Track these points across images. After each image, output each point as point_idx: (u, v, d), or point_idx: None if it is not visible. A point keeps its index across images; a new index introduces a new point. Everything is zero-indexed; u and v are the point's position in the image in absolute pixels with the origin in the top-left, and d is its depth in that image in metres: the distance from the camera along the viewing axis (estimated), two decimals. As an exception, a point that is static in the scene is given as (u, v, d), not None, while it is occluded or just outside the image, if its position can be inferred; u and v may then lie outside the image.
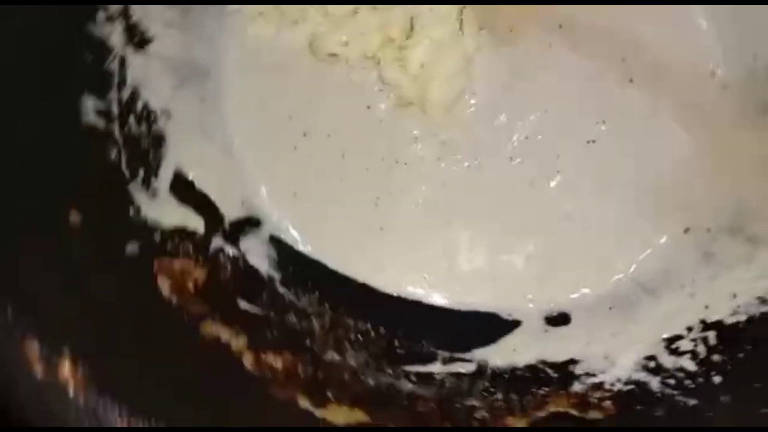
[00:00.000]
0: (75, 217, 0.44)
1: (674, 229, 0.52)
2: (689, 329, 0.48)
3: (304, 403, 0.44)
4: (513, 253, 0.53)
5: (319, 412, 0.44)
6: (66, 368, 0.34)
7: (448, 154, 0.55)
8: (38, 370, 0.34)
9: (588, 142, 0.54)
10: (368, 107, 0.56)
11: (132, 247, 0.46)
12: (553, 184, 0.54)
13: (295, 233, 0.53)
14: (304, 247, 0.53)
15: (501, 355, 0.50)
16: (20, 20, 0.46)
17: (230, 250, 0.51)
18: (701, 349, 0.47)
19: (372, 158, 0.54)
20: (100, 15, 0.51)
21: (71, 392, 0.33)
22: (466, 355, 0.50)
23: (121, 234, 0.47)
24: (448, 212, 0.54)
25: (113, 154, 0.49)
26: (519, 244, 0.53)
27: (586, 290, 0.52)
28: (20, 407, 0.34)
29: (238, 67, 0.55)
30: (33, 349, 0.34)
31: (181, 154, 0.52)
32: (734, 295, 0.48)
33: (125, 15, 0.52)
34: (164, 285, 0.46)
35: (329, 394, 0.46)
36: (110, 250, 0.45)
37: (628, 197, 0.53)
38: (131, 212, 0.48)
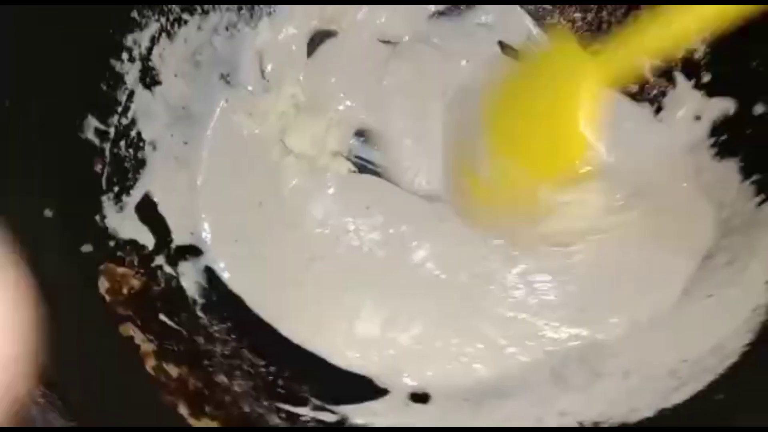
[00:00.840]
0: (48, 213, 0.54)
1: (536, 351, 0.61)
2: (518, 433, 0.56)
3: (183, 410, 0.53)
4: (402, 332, 0.62)
5: (192, 421, 0.53)
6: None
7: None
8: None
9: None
10: (329, 187, 0.66)
11: (87, 247, 0.56)
12: (457, 281, 0.64)
13: (226, 270, 0.63)
14: (230, 284, 0.63)
15: (362, 415, 0.58)
16: (63, 42, 0.57)
17: (168, 270, 0.61)
18: (519, 452, 0.55)
19: (308, 227, 0.64)
20: (125, 54, 0.62)
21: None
22: (334, 408, 0.59)
23: (82, 234, 0.57)
24: (359, 284, 0.63)
25: (98, 168, 0.60)
26: (409, 325, 0.62)
27: (450, 380, 0.61)
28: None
29: (221, 128, 0.66)
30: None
31: (155, 180, 0.63)
32: (562, 414, 0.56)
33: (146, 58, 0.64)
34: (103, 285, 0.56)
35: (207, 409, 0.55)
36: (70, 245, 0.55)
37: (504, 316, 0.62)
38: (97, 218, 0.59)
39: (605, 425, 0.54)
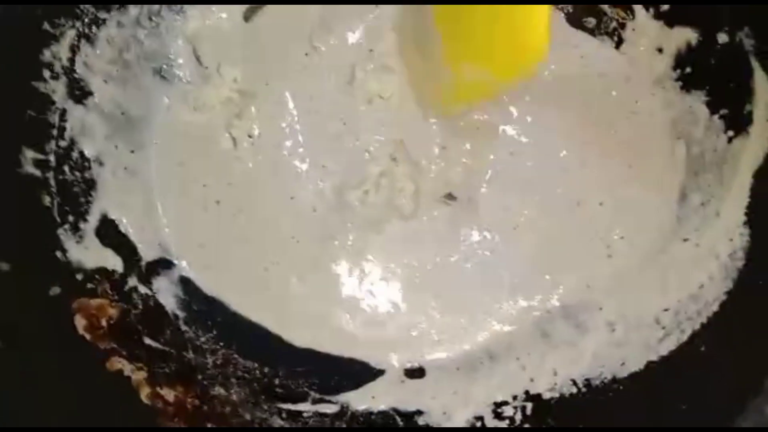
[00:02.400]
0: (5, 266, 0.52)
1: (523, 310, 0.61)
2: (514, 397, 0.58)
3: None
4: (385, 310, 0.62)
5: (197, 440, 0.54)
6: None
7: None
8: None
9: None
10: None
11: (55, 290, 0.55)
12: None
13: (200, 276, 0.62)
14: (207, 289, 0.62)
15: (362, 400, 0.60)
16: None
17: (143, 289, 0.60)
18: (518, 417, 0.57)
19: (273, 233, 0.62)
20: (46, 72, 0.57)
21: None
22: (333, 398, 0.60)
23: (47, 277, 0.55)
24: (334, 264, 0.62)
25: (47, 201, 0.57)
26: (391, 303, 0.62)
27: (440, 353, 0.61)
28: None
29: (166, 128, 0.62)
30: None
31: (109, 198, 0.60)
32: (555, 373, 0.58)
33: (70, 70, 0.59)
34: (80, 324, 0.55)
35: (209, 425, 0.56)
36: (35, 293, 0.54)
37: (489, 276, 0.62)
38: (58, 255, 0.57)
39: (597, 381, 0.56)
